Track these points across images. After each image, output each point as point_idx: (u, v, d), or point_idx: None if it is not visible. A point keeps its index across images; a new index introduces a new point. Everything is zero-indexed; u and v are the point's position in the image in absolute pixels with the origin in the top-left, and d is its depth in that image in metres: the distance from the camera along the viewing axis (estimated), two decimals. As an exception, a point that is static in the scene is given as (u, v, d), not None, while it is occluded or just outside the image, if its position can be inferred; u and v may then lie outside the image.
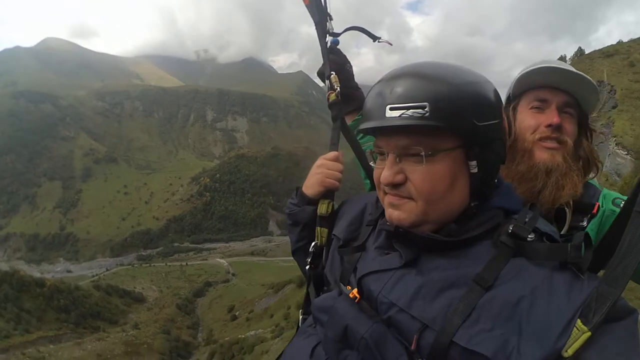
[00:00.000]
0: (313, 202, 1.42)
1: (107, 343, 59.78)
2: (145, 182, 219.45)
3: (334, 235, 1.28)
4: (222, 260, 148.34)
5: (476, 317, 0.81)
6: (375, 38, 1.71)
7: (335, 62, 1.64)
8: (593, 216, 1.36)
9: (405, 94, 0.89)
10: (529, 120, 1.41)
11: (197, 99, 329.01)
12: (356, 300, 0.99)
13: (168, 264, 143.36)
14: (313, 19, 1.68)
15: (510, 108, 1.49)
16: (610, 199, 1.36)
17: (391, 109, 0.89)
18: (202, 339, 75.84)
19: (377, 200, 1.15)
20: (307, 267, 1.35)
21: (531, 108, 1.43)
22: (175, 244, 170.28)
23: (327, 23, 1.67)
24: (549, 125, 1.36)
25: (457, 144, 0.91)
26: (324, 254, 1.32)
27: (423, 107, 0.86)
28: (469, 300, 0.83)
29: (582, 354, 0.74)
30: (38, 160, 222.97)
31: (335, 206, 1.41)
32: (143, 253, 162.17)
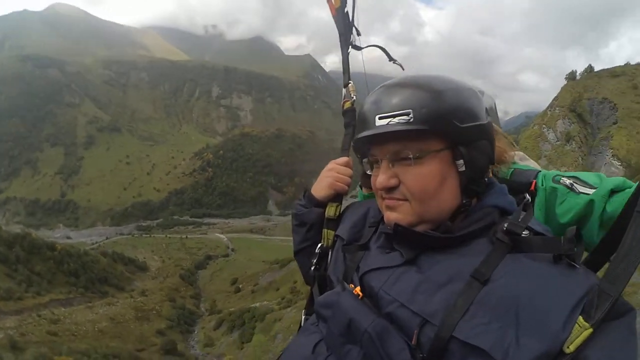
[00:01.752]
0: (321, 204, 1.46)
1: (118, 308, 60.39)
2: (147, 154, 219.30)
3: (338, 235, 1.34)
4: (221, 236, 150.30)
5: (474, 311, 0.83)
6: (391, 59, 1.75)
7: None
8: (532, 194, 1.40)
9: (392, 104, 0.96)
10: None
11: (204, 74, 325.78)
12: (359, 298, 1.02)
13: (168, 235, 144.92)
14: (338, 30, 1.75)
15: None
16: (550, 177, 1.42)
17: (380, 118, 0.97)
18: (205, 309, 77.02)
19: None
20: (312, 268, 1.38)
21: None
22: (175, 217, 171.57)
23: (352, 35, 1.74)
24: None
25: (443, 146, 0.97)
26: (329, 255, 1.36)
27: (407, 114, 0.93)
28: (467, 295, 0.85)
29: (584, 351, 0.74)
30: (41, 125, 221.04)
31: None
32: (143, 224, 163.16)
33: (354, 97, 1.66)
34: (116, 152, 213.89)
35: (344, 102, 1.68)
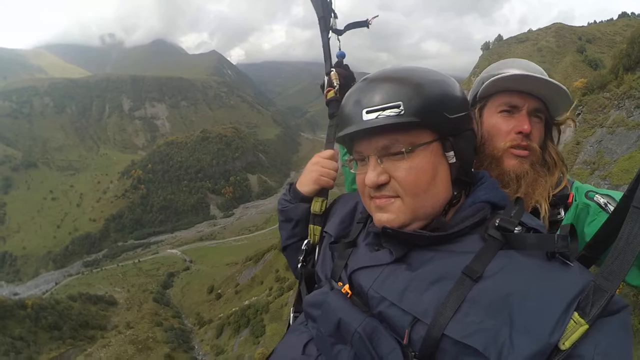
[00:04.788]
0: (307, 199, 1.45)
1: (115, 347, 61.00)
2: (71, 184, 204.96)
3: (326, 232, 1.32)
4: (174, 251, 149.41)
5: (467, 309, 0.82)
6: (365, 24, 1.73)
7: (342, 75, 1.65)
8: (568, 206, 1.38)
9: (380, 97, 0.95)
10: (499, 125, 1.40)
11: (110, 88, 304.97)
12: (348, 296, 1.01)
13: (119, 264, 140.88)
14: (317, 13, 1.73)
15: (477, 110, 1.48)
16: (583, 192, 1.38)
17: (368, 112, 0.95)
18: (191, 324, 79.50)
19: None
20: (299, 264, 1.36)
21: (500, 112, 1.42)
22: (120, 244, 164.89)
23: (331, 19, 1.70)
24: (520, 132, 1.37)
25: (432, 138, 0.97)
26: (316, 251, 1.34)
27: (398, 107, 0.93)
28: (459, 293, 0.84)
29: (579, 347, 0.75)
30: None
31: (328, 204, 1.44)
32: (88, 259, 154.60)
33: (337, 85, 1.60)
34: (38, 190, 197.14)
35: (327, 92, 1.62)
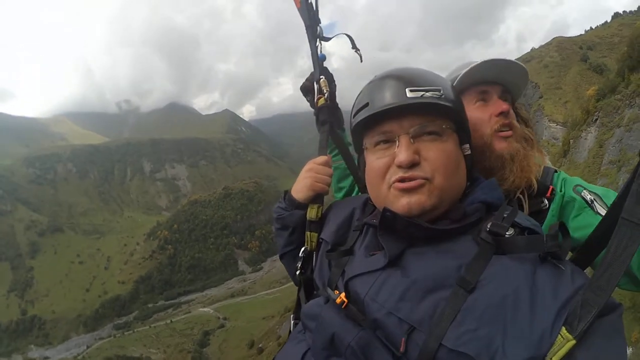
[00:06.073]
0: (302, 206, 1.42)
1: None
2: (98, 248, 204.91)
3: (322, 239, 1.30)
4: (206, 309, 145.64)
5: (462, 318, 0.82)
6: (356, 48, 1.74)
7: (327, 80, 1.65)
8: (549, 199, 1.38)
9: (422, 80, 1.01)
10: (479, 115, 1.42)
11: (130, 151, 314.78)
12: (344, 305, 0.99)
13: (151, 325, 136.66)
14: (304, 22, 1.74)
15: None
16: (572, 186, 1.37)
17: (411, 90, 0.99)
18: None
19: (365, 204, 1.22)
20: (297, 272, 1.35)
21: (475, 103, 1.46)
22: (150, 305, 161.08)
23: (318, 27, 1.72)
24: (500, 113, 1.41)
25: (454, 128, 1.05)
26: (313, 258, 1.33)
27: (439, 90, 1.00)
28: (454, 303, 0.83)
29: (568, 358, 0.73)
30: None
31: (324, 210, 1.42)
32: (119, 321, 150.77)
33: (327, 92, 1.61)
34: (65, 254, 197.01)
35: (318, 99, 1.63)
